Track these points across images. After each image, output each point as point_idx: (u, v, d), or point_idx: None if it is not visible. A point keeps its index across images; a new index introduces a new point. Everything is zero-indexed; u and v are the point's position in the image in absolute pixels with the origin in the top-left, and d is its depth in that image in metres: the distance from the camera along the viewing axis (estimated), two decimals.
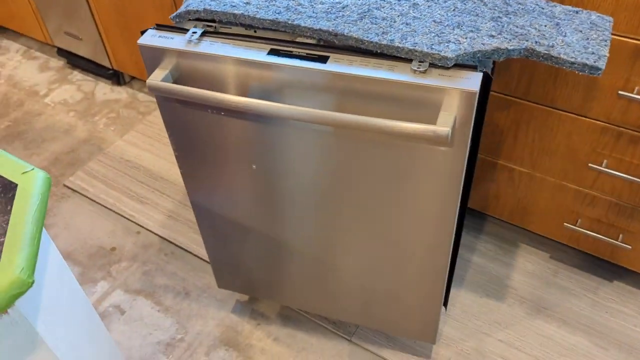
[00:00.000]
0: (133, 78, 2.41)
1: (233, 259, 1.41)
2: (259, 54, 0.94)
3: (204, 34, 0.99)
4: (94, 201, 1.90)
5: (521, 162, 1.44)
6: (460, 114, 0.87)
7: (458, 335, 1.49)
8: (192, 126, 1.10)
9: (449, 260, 1.13)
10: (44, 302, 0.73)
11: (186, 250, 1.73)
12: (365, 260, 1.22)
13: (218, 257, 1.44)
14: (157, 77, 0.99)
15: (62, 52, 2.46)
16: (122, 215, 1.85)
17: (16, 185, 0.70)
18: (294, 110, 0.92)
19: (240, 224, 1.29)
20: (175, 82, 1.02)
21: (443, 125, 0.86)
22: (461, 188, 0.98)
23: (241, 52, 0.95)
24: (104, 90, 2.36)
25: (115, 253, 1.75)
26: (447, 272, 1.16)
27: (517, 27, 0.92)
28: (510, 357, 1.43)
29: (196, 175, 1.21)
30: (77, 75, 2.46)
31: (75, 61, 2.43)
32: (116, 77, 2.36)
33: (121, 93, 2.35)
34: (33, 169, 0.73)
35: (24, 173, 0.72)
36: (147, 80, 0.99)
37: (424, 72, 0.87)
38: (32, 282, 0.61)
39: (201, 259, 1.71)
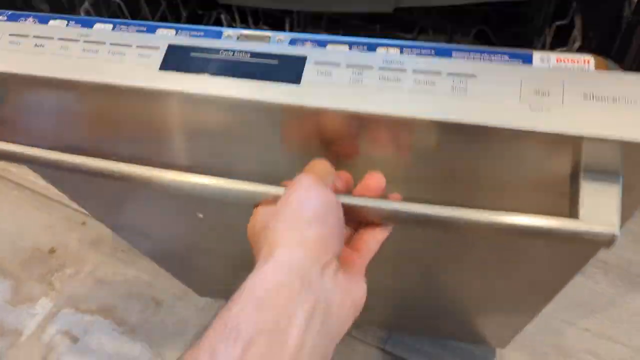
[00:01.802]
0: None
1: (204, 271, 0.99)
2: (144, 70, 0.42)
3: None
4: (21, 185, 1.44)
5: None
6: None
7: (529, 329, 1.09)
8: (95, 191, 0.61)
9: None
10: None
11: None
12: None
13: (184, 274, 1.02)
14: None
15: None
16: (60, 202, 1.39)
17: None
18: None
19: (203, 247, 0.84)
20: None
21: (604, 223, 0.36)
22: None
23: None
24: None
25: (56, 255, 1.32)
26: None
27: None
28: (602, 353, 1.05)
29: (126, 229, 0.75)
30: None
31: None
32: None
33: None
34: None
35: None
36: None
37: None
38: None
39: None
